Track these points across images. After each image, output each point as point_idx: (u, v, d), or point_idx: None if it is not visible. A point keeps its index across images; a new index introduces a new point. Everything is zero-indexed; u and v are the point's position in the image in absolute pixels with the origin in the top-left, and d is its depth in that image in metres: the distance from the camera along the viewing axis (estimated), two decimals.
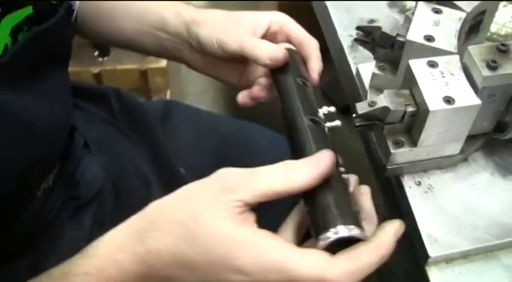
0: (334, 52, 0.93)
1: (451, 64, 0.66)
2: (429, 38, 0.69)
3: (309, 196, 0.54)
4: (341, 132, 0.64)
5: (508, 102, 0.67)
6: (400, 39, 0.70)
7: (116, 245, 0.55)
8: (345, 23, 0.92)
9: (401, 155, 0.69)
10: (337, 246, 0.51)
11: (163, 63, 1.75)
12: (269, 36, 0.76)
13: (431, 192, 0.70)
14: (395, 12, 0.92)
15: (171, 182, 0.90)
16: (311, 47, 0.75)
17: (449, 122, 0.65)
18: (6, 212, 0.67)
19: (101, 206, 0.85)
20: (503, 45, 0.65)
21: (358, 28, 0.74)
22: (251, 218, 0.53)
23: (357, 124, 0.66)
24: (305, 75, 0.71)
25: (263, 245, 0.51)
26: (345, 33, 0.90)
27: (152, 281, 0.54)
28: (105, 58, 1.74)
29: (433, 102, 0.63)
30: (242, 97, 0.77)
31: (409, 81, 0.66)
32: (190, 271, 0.52)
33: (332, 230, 0.51)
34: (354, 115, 0.65)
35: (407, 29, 0.70)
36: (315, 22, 0.99)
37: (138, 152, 0.95)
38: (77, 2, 0.71)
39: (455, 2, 0.71)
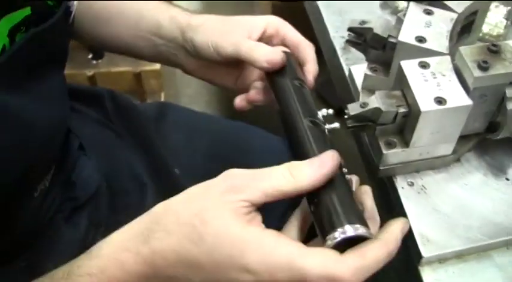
0: (327, 53, 0.93)
1: (442, 65, 0.67)
2: (421, 39, 0.69)
3: (314, 196, 0.54)
4: (336, 133, 0.65)
5: (500, 102, 0.68)
6: (392, 40, 0.71)
7: (120, 245, 0.55)
8: (337, 24, 0.92)
9: (394, 155, 0.69)
10: (344, 246, 0.51)
11: (157, 65, 1.75)
12: (265, 39, 0.77)
13: (424, 193, 0.70)
14: (388, 14, 0.92)
15: (165, 183, 0.91)
16: (307, 50, 0.75)
17: (441, 122, 0.65)
18: (4, 212, 0.67)
19: (97, 207, 0.85)
20: (494, 45, 0.66)
21: (350, 29, 0.75)
22: (258, 217, 0.53)
23: (349, 125, 0.66)
24: (302, 78, 0.71)
25: (270, 244, 0.51)
26: (337, 34, 0.90)
27: (156, 281, 0.54)
28: (100, 61, 1.74)
29: (425, 103, 0.63)
30: (239, 101, 0.77)
31: (401, 82, 0.67)
32: (196, 271, 0.53)
33: (339, 229, 0.51)
34: (345, 116, 0.65)
35: (399, 30, 0.70)
36: (308, 23, 0.99)
37: (133, 153, 0.95)
38: (75, 3, 0.71)
39: (447, 3, 0.72)
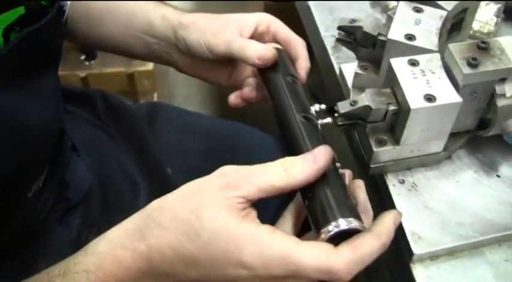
0: (318, 52, 0.93)
1: (432, 62, 0.67)
2: (410, 37, 0.69)
3: (308, 191, 0.55)
4: (329, 128, 0.65)
5: (490, 99, 0.68)
6: (382, 38, 0.71)
7: (117, 242, 0.55)
8: (328, 23, 0.92)
9: (384, 153, 0.69)
10: (338, 239, 0.52)
11: (150, 66, 1.75)
12: (256, 36, 0.77)
13: (415, 190, 0.71)
14: (378, 12, 0.92)
15: (158, 183, 0.91)
16: (298, 45, 0.76)
17: (431, 119, 0.65)
18: None
19: (89, 208, 0.85)
20: (483, 42, 0.66)
21: (340, 28, 0.75)
22: (252, 213, 0.54)
23: (339, 123, 0.66)
24: (294, 74, 0.71)
25: (265, 238, 0.51)
26: (328, 33, 0.91)
27: (153, 277, 0.55)
28: (92, 62, 1.74)
29: (414, 100, 0.63)
30: (234, 98, 0.78)
31: (391, 80, 0.67)
32: (192, 267, 0.53)
33: (333, 223, 0.52)
34: (335, 114, 0.66)
35: (388, 28, 0.70)
36: (299, 23, 0.99)
37: (125, 153, 0.95)
38: (68, 2, 0.71)
39: (437, 2, 0.72)
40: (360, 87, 0.76)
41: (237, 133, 1.07)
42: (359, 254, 0.51)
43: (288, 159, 0.55)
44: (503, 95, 0.66)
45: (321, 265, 0.50)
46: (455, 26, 0.76)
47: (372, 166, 0.70)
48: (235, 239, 0.51)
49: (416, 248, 0.65)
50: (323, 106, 0.66)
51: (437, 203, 0.70)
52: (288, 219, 0.57)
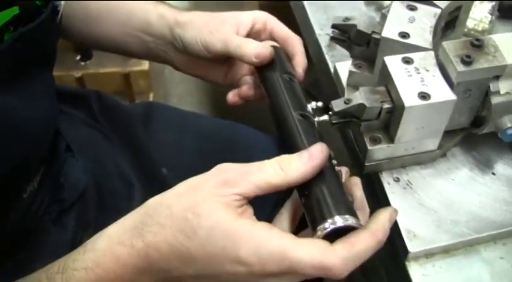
0: (313, 51, 0.93)
1: (426, 60, 0.67)
2: (404, 35, 0.69)
3: (304, 188, 0.55)
4: (325, 126, 0.66)
5: (484, 97, 0.68)
6: (376, 36, 0.71)
7: (114, 239, 0.56)
8: (322, 22, 0.92)
9: (379, 151, 0.69)
10: (334, 236, 0.52)
11: (145, 66, 1.75)
12: (253, 34, 0.77)
13: (410, 188, 0.71)
14: (372, 10, 0.92)
15: (153, 183, 0.91)
16: (295, 43, 0.76)
17: (425, 117, 0.65)
18: None
19: (84, 209, 0.85)
20: (477, 40, 0.66)
21: (334, 26, 0.75)
22: (249, 210, 0.54)
23: (334, 122, 0.66)
24: (291, 71, 0.72)
25: (262, 235, 0.51)
26: (323, 32, 0.91)
27: (151, 273, 0.55)
28: (88, 62, 1.73)
29: (409, 98, 0.63)
30: (232, 96, 0.79)
31: (385, 78, 0.67)
32: (189, 263, 0.53)
33: (329, 220, 0.52)
34: (330, 113, 0.66)
35: (382, 27, 0.70)
36: (294, 22, 0.99)
37: (120, 154, 0.94)
38: (62, 2, 0.71)
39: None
40: (354, 86, 0.76)
41: (233, 132, 1.07)
42: (354, 251, 0.51)
43: (284, 157, 0.55)
44: (498, 93, 0.67)
45: (316, 262, 0.50)
46: (449, 24, 0.76)
47: (366, 164, 0.70)
48: (232, 236, 0.51)
49: (412, 246, 0.65)
50: (320, 104, 0.66)
51: (433, 201, 0.70)
52: (284, 216, 0.58)
